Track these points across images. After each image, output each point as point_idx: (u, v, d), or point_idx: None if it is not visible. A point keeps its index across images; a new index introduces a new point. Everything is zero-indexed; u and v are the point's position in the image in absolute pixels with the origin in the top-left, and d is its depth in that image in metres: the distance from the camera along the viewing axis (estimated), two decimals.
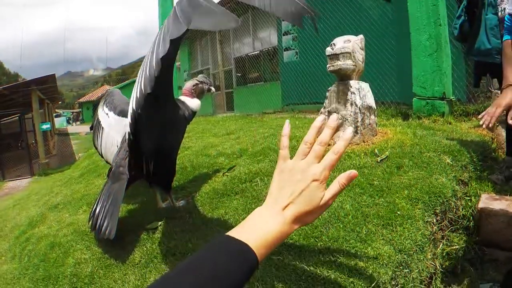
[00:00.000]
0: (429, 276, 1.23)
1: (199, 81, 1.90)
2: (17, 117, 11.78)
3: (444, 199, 1.50)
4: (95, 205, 1.72)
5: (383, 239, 1.25)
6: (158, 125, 1.54)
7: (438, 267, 1.29)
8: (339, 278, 1.09)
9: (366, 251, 1.20)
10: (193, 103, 1.84)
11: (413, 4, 3.14)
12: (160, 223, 1.80)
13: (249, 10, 7.40)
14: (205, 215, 1.79)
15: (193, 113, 1.84)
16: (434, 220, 1.41)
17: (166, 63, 1.01)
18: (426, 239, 1.28)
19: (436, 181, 1.58)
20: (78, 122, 30.65)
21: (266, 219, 0.50)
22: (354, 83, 2.19)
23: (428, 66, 3.05)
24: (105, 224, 1.58)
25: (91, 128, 2.33)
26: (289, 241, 1.31)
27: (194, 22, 0.63)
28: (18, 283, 1.88)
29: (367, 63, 2.36)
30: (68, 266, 1.72)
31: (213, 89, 1.97)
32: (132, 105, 1.30)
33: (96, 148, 2.19)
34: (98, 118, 2.20)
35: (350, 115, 2.15)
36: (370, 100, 2.24)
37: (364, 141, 2.18)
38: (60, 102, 28.45)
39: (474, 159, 1.92)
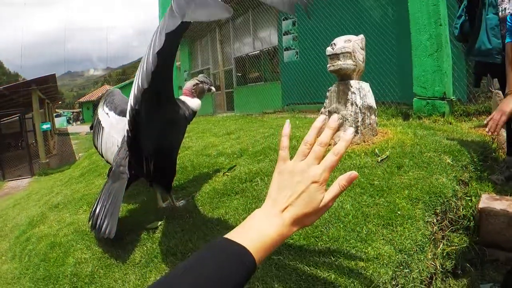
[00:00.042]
0: (429, 276, 1.23)
1: (199, 81, 1.90)
2: (17, 117, 11.78)
3: (445, 199, 1.50)
4: (95, 205, 1.73)
5: (383, 239, 1.25)
6: (158, 124, 1.54)
7: (438, 267, 1.29)
8: (339, 278, 1.09)
9: (366, 251, 1.20)
10: (194, 103, 1.84)
11: (413, 4, 3.14)
12: (160, 222, 1.80)
13: (249, 10, 7.40)
14: (205, 214, 1.79)
15: (194, 113, 1.84)
16: (435, 220, 1.41)
17: (163, 58, 1.02)
18: (426, 239, 1.28)
19: (437, 181, 1.58)
20: (79, 122, 30.65)
21: (265, 222, 0.50)
22: (354, 83, 2.19)
23: (429, 66, 3.05)
24: (105, 224, 1.58)
25: (91, 128, 2.33)
26: (290, 241, 1.31)
27: (189, 14, 0.65)
28: (18, 282, 1.88)
29: (367, 63, 2.36)
30: (69, 265, 1.72)
31: (213, 89, 1.98)
32: (130, 101, 1.30)
33: (96, 148, 2.19)
34: (98, 117, 2.20)
35: (351, 115, 2.15)
36: (371, 100, 2.24)
37: (364, 141, 2.18)
38: (60, 102, 28.46)
39: (475, 159, 1.92)
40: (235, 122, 4.76)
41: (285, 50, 6.30)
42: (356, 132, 2.17)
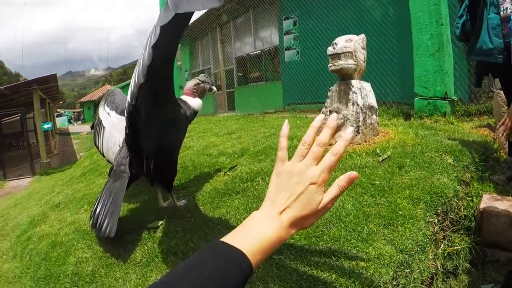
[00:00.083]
0: (430, 276, 1.23)
1: (200, 80, 1.90)
2: (19, 117, 11.81)
3: (446, 199, 1.50)
4: (96, 204, 1.73)
5: (384, 239, 1.25)
6: (158, 124, 1.54)
7: (439, 267, 1.29)
8: (340, 278, 1.09)
9: (367, 251, 1.19)
10: (195, 102, 1.84)
11: (415, 4, 3.13)
12: (161, 222, 1.80)
13: (250, 9, 7.40)
14: (206, 214, 1.79)
15: (195, 113, 1.84)
16: (436, 220, 1.40)
17: (162, 55, 1.03)
18: (427, 239, 1.28)
19: (438, 181, 1.58)
20: (79, 122, 30.70)
21: (262, 224, 0.49)
22: (355, 83, 2.19)
23: (430, 66, 3.05)
24: (105, 223, 1.58)
25: (92, 128, 2.33)
26: (291, 241, 1.31)
27: (182, 6, 0.67)
28: (19, 281, 1.88)
29: (368, 63, 2.36)
30: (70, 265, 1.72)
31: (214, 88, 1.98)
32: (128, 98, 1.30)
33: (98, 148, 2.20)
34: (99, 117, 2.20)
35: (352, 114, 2.15)
36: (372, 100, 2.23)
37: (365, 141, 2.18)
38: (61, 102, 28.49)
39: (476, 160, 1.92)
40: (236, 122, 4.76)
41: (286, 50, 6.30)
42: (357, 132, 2.17)
